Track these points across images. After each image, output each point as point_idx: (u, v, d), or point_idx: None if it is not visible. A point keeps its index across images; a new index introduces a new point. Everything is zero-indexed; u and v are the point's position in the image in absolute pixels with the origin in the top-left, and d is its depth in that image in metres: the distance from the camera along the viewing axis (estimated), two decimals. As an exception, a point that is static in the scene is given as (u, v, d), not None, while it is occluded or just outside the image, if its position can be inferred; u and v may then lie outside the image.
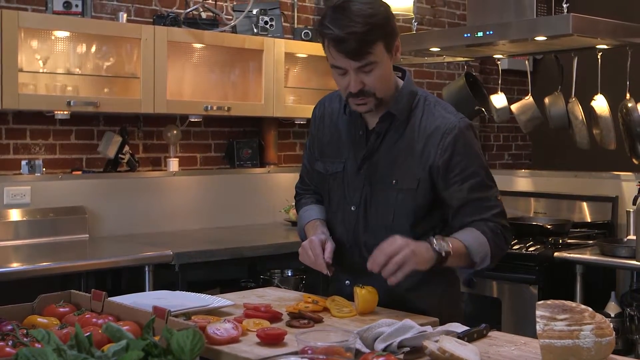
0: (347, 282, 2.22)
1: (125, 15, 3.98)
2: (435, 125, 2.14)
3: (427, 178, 2.14)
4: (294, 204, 2.57)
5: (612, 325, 1.66)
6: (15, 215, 3.74)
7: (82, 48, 3.83)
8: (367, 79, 2.06)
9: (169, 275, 3.50)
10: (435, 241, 2.02)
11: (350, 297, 2.12)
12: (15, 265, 3.26)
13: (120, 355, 1.33)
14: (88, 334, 1.40)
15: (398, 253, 1.96)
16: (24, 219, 3.76)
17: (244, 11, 4.24)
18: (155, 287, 3.42)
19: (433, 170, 2.13)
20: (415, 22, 4.50)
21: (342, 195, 2.27)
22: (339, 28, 1.99)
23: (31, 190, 3.82)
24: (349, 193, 2.24)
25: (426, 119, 2.15)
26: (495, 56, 4.53)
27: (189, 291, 2.28)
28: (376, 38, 2.02)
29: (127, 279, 3.65)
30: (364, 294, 2.05)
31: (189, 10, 4.19)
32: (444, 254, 2.01)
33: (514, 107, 4.55)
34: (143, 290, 3.37)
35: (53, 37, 3.74)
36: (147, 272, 3.46)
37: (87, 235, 3.92)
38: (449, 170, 2.12)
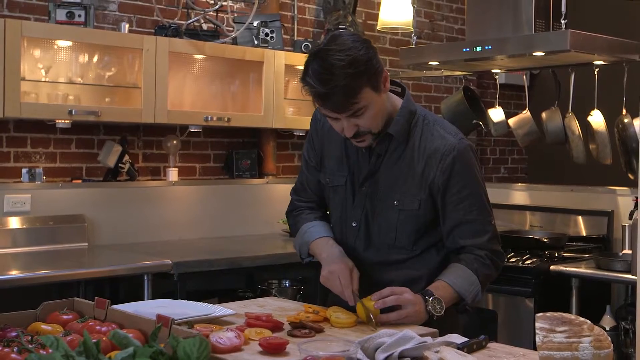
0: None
1: (127, 25, 4.00)
2: (434, 146, 2.16)
3: (428, 198, 2.17)
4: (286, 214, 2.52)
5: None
6: (15, 223, 3.75)
7: (84, 58, 3.86)
8: (360, 122, 2.06)
9: (167, 285, 3.51)
10: (430, 304, 2.08)
11: (349, 309, 2.14)
12: (15, 273, 3.26)
13: (127, 362, 1.35)
14: (95, 340, 1.41)
15: (406, 306, 2.05)
16: (24, 226, 3.77)
17: (244, 23, 4.27)
18: (154, 296, 3.42)
19: (433, 189, 2.16)
20: (414, 36, 4.53)
21: (343, 210, 2.28)
22: (321, 84, 1.98)
23: (31, 199, 3.83)
24: (350, 209, 2.26)
25: (425, 139, 2.17)
26: (493, 71, 4.57)
27: (188, 300, 2.29)
28: (361, 86, 2.00)
29: (126, 287, 3.66)
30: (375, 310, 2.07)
31: (190, 21, 4.22)
32: (435, 318, 2.08)
33: (511, 121, 4.57)
34: (142, 299, 3.38)
35: (55, 47, 3.77)
36: (146, 281, 3.46)
37: (87, 244, 3.92)
38: (447, 190, 2.15)
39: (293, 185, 2.50)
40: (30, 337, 1.69)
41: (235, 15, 4.53)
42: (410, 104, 2.21)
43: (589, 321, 1.66)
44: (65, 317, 1.92)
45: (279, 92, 4.37)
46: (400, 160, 2.18)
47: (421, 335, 1.81)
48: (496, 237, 2.23)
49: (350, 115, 2.03)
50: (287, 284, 4.01)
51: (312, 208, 2.42)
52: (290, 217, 2.47)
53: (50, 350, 1.38)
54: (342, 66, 1.97)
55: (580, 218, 4.36)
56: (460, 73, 4.84)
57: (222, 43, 4.22)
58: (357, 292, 2.14)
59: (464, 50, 4.02)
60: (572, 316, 1.67)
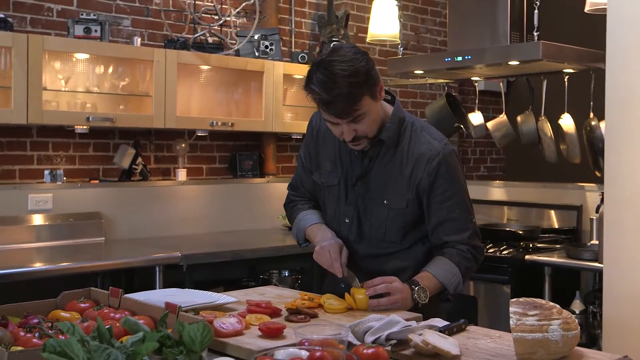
0: (342, 285, 2.22)
1: (139, 39, 4.00)
2: (421, 151, 2.16)
3: (415, 198, 2.17)
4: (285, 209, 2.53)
5: (577, 321, 1.68)
6: (38, 220, 3.74)
7: (100, 69, 3.85)
8: (359, 127, 2.06)
9: (177, 275, 3.51)
10: (415, 293, 2.08)
11: (342, 297, 2.13)
12: (38, 265, 3.26)
13: (137, 346, 1.34)
14: (108, 326, 1.40)
15: (395, 293, 2.05)
16: (46, 223, 3.76)
17: (246, 36, 4.26)
18: (165, 285, 3.42)
19: (420, 190, 2.16)
20: (401, 47, 4.52)
21: (337, 207, 2.28)
22: (324, 91, 1.97)
23: (53, 198, 3.82)
24: (344, 207, 2.26)
25: (413, 144, 2.17)
26: (472, 78, 4.56)
27: (195, 289, 2.29)
28: (361, 94, 2.00)
29: (140, 278, 3.65)
30: (361, 298, 2.07)
31: (197, 35, 4.21)
32: (420, 305, 2.08)
33: (489, 125, 4.57)
34: (154, 288, 3.38)
35: (74, 59, 3.76)
36: (157, 272, 3.46)
37: (103, 239, 3.92)
38: (432, 191, 2.16)
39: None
40: (50, 324, 1.69)
41: (238, 29, 4.52)
42: (400, 111, 2.21)
43: (558, 305, 1.66)
44: (82, 305, 1.92)
45: (278, 99, 4.36)
46: (390, 163, 2.18)
47: (406, 320, 1.81)
48: (476, 234, 2.23)
49: (350, 120, 2.03)
50: (287, 274, 4.00)
51: (306, 200, 2.44)
52: (287, 208, 2.49)
53: (67, 336, 1.37)
54: (345, 75, 1.96)
55: (552, 212, 4.36)
56: (443, 81, 4.83)
57: (226, 55, 4.22)
58: (345, 265, 2.15)
59: (446, 60, 4.01)
60: (543, 301, 1.67)
